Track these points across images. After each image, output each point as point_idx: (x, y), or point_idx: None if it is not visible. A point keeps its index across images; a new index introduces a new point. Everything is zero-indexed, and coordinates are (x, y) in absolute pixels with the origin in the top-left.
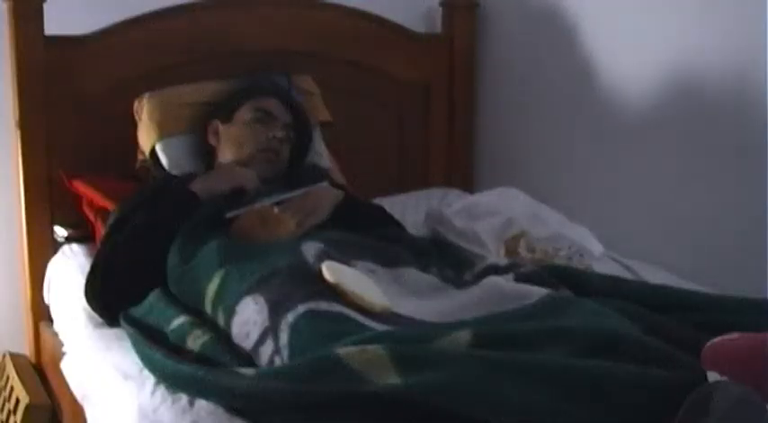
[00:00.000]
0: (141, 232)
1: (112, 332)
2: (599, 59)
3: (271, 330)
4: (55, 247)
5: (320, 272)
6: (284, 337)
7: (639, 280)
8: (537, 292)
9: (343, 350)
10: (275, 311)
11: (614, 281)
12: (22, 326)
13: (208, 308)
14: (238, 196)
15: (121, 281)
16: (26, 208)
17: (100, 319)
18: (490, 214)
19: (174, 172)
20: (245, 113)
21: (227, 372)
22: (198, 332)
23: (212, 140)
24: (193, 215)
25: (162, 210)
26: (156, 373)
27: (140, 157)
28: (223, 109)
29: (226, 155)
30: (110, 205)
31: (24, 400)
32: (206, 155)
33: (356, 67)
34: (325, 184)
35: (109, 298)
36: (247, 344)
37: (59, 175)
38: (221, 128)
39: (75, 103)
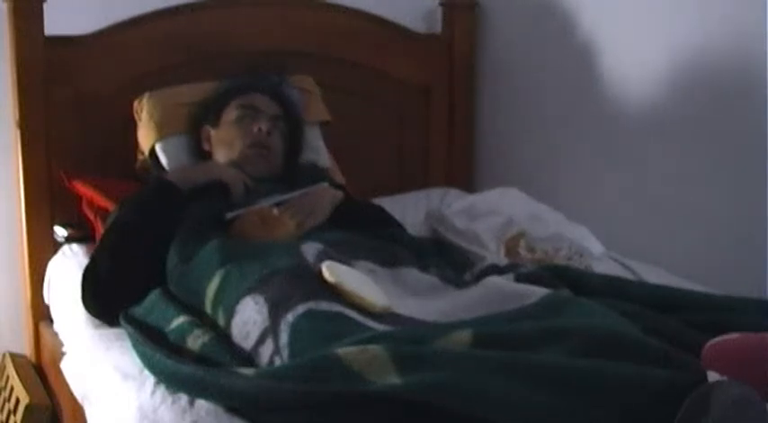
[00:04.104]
0: (126, 230)
1: (112, 332)
2: (599, 59)
3: (271, 330)
4: (55, 247)
5: (320, 272)
6: (284, 337)
7: (639, 280)
8: (537, 292)
9: (343, 350)
10: (275, 311)
11: (614, 281)
12: (21, 326)
13: (208, 308)
14: (219, 191)
15: (113, 282)
16: (26, 208)
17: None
18: (490, 214)
19: None
20: (230, 113)
21: (227, 372)
22: (198, 332)
23: (206, 146)
24: (178, 208)
25: (144, 204)
26: (156, 373)
27: (140, 156)
28: (211, 113)
29: (219, 158)
30: (110, 205)
31: (24, 400)
32: (203, 161)
33: (356, 67)
34: (324, 184)
35: (104, 300)
36: (247, 344)
37: (59, 175)
38: (212, 132)
39: (75, 103)
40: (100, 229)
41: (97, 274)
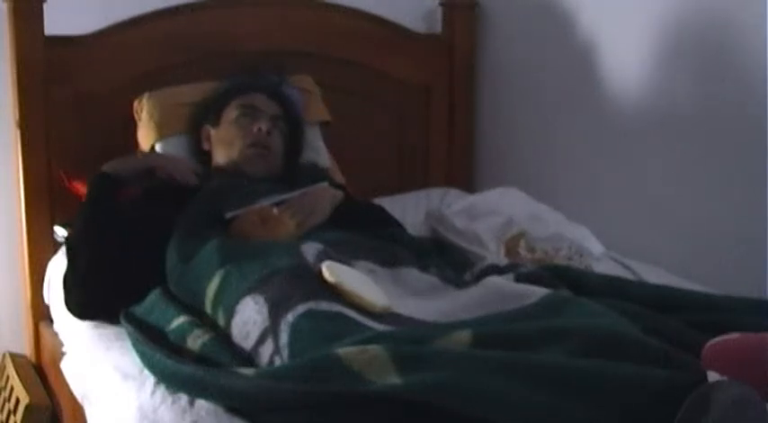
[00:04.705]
0: (81, 239)
1: (112, 332)
2: (599, 59)
3: (271, 330)
4: (55, 247)
5: (320, 272)
6: (284, 336)
7: (639, 280)
8: (537, 292)
9: (344, 350)
10: (275, 311)
11: (614, 281)
12: (22, 326)
13: (208, 308)
14: (153, 178)
15: (85, 294)
16: (26, 208)
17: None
18: (490, 214)
19: None
20: (230, 112)
21: (227, 372)
22: (198, 332)
23: (206, 146)
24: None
25: (87, 210)
26: (155, 373)
27: (140, 156)
28: (211, 113)
29: (219, 157)
30: None
31: (24, 400)
32: (203, 161)
33: (356, 67)
34: (324, 184)
35: (84, 308)
36: (247, 344)
37: (59, 175)
38: (212, 132)
39: (75, 103)
40: None
41: (70, 289)
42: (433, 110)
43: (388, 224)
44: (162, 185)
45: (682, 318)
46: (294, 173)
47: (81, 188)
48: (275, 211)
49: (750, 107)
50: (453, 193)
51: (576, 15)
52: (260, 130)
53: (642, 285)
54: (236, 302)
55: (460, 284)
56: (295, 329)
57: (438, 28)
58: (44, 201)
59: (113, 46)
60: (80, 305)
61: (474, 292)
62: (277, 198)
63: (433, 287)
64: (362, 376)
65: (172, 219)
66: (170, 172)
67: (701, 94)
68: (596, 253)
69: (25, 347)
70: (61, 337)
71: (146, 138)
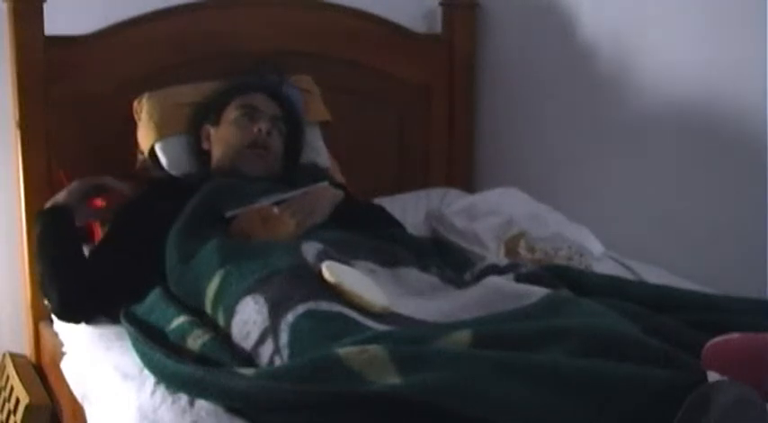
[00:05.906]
0: (47, 273)
1: (112, 332)
2: (598, 59)
3: (271, 330)
4: None
5: (320, 272)
6: (284, 336)
7: (639, 280)
8: (537, 292)
9: (344, 350)
10: (275, 311)
11: (614, 281)
12: (21, 326)
13: (208, 308)
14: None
15: (64, 313)
16: (26, 208)
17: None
18: (490, 214)
19: (173, 172)
20: (231, 112)
21: (226, 372)
22: (198, 332)
23: (206, 145)
24: (67, 222)
25: (44, 241)
26: (155, 372)
27: (140, 156)
28: (212, 112)
29: (218, 157)
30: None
31: (24, 400)
32: (203, 161)
33: (356, 67)
34: (325, 183)
35: (72, 317)
36: (247, 344)
37: (59, 175)
38: (212, 131)
39: (75, 103)
40: (98, 231)
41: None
42: (433, 110)
43: (389, 224)
44: (164, 182)
45: (681, 318)
46: (294, 173)
47: None
48: (275, 210)
49: (749, 106)
50: (453, 193)
51: (577, 15)
52: (259, 130)
53: (642, 285)
54: (236, 302)
55: (460, 284)
56: (295, 329)
57: (438, 28)
58: (44, 201)
59: (113, 46)
60: (75, 319)
61: (474, 292)
62: (277, 197)
63: (433, 287)
64: (362, 376)
65: (170, 217)
66: (111, 186)
67: (700, 93)
68: (596, 253)
69: (25, 347)
70: (61, 337)
71: (146, 138)
